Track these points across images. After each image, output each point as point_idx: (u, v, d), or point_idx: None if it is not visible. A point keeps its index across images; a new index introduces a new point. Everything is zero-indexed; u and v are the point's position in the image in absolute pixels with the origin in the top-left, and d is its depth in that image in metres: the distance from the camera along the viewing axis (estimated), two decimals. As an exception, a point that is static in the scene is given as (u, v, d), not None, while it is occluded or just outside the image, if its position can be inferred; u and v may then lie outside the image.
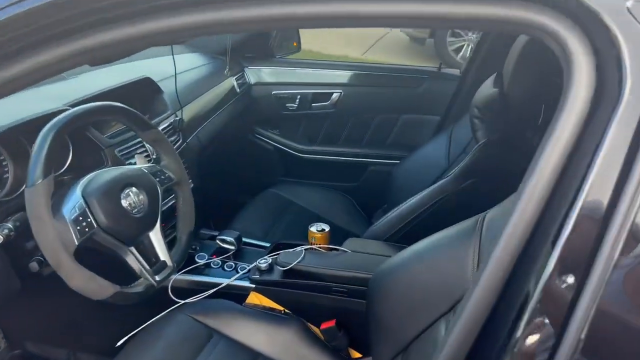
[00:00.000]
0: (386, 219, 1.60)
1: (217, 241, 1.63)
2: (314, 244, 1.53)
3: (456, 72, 2.14)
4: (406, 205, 1.56)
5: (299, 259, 1.44)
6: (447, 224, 1.34)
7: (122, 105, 1.15)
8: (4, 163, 1.23)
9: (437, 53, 5.69)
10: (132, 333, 1.32)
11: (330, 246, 1.53)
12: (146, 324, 1.32)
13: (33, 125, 1.06)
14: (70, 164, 1.33)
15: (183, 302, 1.42)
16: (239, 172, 2.38)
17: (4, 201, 1.17)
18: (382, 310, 1.22)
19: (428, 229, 1.51)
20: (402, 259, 1.24)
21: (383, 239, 1.57)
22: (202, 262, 1.57)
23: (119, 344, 1.30)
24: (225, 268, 1.56)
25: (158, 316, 1.34)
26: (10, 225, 1.02)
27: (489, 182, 1.46)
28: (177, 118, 1.64)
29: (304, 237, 1.90)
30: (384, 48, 6.39)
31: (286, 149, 2.33)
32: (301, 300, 1.44)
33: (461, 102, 2.05)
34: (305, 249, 1.49)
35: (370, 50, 6.29)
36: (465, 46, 5.60)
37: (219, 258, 1.59)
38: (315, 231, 1.53)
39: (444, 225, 1.33)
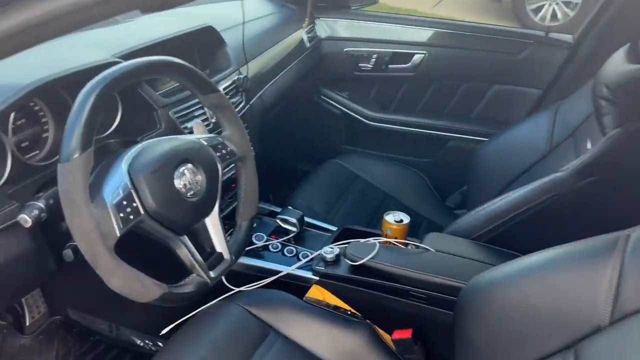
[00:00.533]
0: (477, 213, 1.35)
1: (277, 220, 1.43)
2: (389, 236, 1.31)
3: (568, 37, 1.80)
4: (504, 201, 1.30)
5: (372, 255, 1.23)
6: (554, 229, 1.09)
7: (183, 62, 0.93)
8: (43, 120, 1.06)
9: (514, 12, 5.19)
10: (178, 321, 1.17)
11: (409, 241, 1.30)
12: (194, 312, 1.16)
13: (77, 79, 0.86)
14: (117, 125, 1.14)
15: (237, 289, 1.25)
16: (301, 139, 2.15)
17: (40, 167, 1.00)
18: (476, 331, 1.00)
19: (528, 233, 1.27)
20: (508, 272, 1.00)
21: (471, 237, 1.33)
22: (260, 243, 1.38)
23: (164, 332, 1.15)
24: (285, 253, 1.38)
25: (208, 304, 1.18)
26: (41, 204, 0.84)
27: (616, 184, 1.18)
28: (242, 76, 1.41)
29: (370, 218, 1.70)
30: (455, 3, 5.90)
31: (354, 114, 2.08)
32: (371, 301, 1.24)
33: (572, 75, 1.72)
34: (379, 242, 1.27)
35: (441, 5, 5.82)
36: (546, 6, 5.07)
37: (278, 240, 1.40)
38: (393, 222, 1.30)
39: (550, 231, 1.08)
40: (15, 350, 1.41)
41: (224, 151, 1.02)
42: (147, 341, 1.48)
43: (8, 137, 0.95)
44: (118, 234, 0.79)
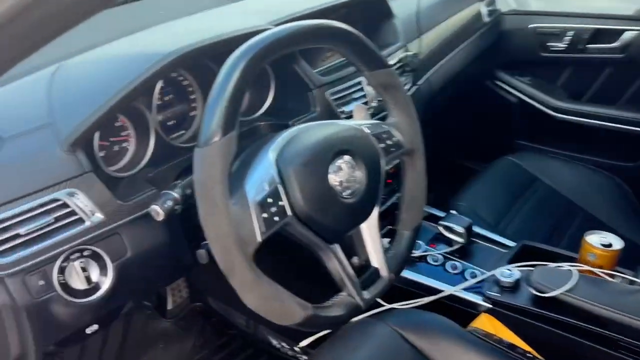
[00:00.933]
0: None
1: (440, 227, 1.20)
2: (590, 264, 1.01)
3: None
4: None
5: (568, 286, 0.94)
6: None
7: (351, 29, 0.75)
8: (192, 97, 0.96)
9: None
10: (320, 334, 1.01)
11: (620, 274, 0.99)
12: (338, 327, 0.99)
13: (227, 49, 0.72)
14: (269, 106, 1.00)
15: (389, 306, 1.06)
16: (467, 130, 1.87)
17: (184, 149, 0.89)
18: None
19: None
20: None
21: None
22: (417, 253, 1.17)
23: (302, 344, 1.00)
24: (448, 269, 1.15)
25: (354, 319, 1.00)
26: (176, 194, 0.72)
27: None
28: (410, 53, 1.19)
29: (550, 233, 1.39)
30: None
31: (536, 104, 1.74)
32: (560, 344, 0.97)
33: None
34: (577, 270, 0.98)
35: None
36: None
37: (440, 252, 1.17)
38: (598, 245, 1.00)
39: None
40: (156, 334, 1.38)
41: (389, 142, 0.82)
42: (284, 344, 1.36)
43: (152, 114, 0.85)
44: (259, 240, 0.63)
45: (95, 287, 0.71)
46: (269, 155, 0.69)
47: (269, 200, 0.65)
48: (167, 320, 1.42)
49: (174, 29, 0.93)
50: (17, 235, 0.65)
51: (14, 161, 0.67)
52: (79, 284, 0.70)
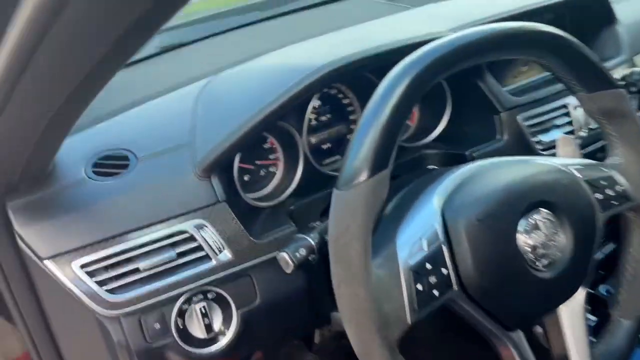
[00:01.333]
0: None
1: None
2: None
3: None
4: None
5: None
6: None
7: (568, 36, 0.54)
8: (351, 117, 0.83)
9: None
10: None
11: None
12: None
13: (392, 60, 0.57)
14: (442, 131, 0.82)
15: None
16: None
17: (337, 178, 0.76)
18: None
19: None
20: None
21: None
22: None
23: None
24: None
25: None
26: (311, 240, 0.59)
27: None
28: (637, 69, 0.90)
29: None
30: None
31: None
32: None
33: None
34: None
35: None
36: None
37: None
38: None
39: None
40: (300, 367, 1.29)
41: (609, 192, 0.58)
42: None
43: (302, 136, 0.73)
44: (409, 321, 0.47)
45: (215, 338, 0.61)
46: (434, 201, 0.52)
47: (428, 265, 0.48)
48: (313, 354, 1.31)
49: (336, 38, 0.80)
50: (137, 270, 0.58)
51: (143, 185, 0.60)
52: (198, 331, 0.60)
